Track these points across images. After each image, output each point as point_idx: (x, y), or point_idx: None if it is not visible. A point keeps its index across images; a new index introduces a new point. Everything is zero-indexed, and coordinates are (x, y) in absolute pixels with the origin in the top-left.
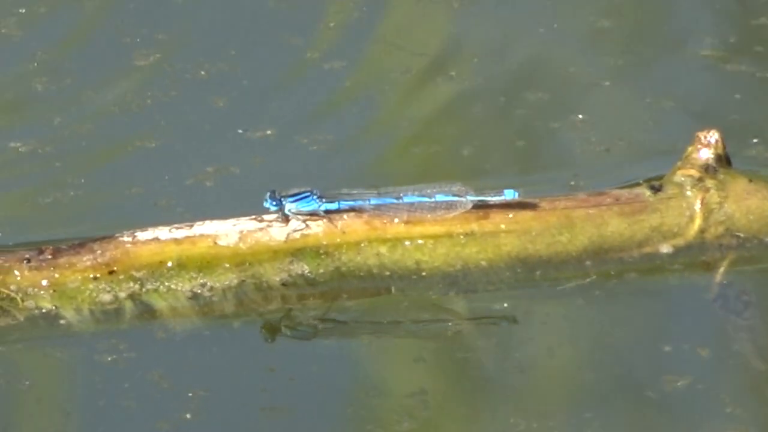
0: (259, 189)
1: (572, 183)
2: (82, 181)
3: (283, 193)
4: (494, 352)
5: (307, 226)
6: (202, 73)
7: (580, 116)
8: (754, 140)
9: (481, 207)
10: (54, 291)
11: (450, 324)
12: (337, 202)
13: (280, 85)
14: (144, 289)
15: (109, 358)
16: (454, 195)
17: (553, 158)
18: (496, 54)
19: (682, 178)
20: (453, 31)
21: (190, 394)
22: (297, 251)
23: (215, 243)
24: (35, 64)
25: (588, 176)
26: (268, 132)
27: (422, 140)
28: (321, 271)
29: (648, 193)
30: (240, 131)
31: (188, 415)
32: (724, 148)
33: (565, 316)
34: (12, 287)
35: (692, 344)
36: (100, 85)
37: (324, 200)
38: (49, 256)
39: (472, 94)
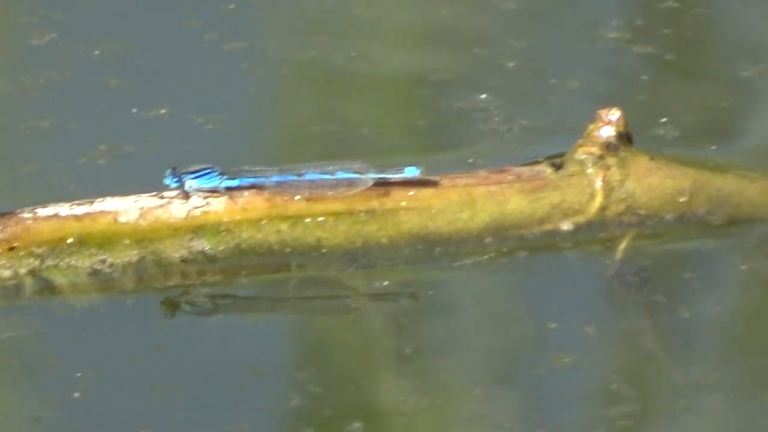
0: (152, 167)
1: (471, 161)
2: None
3: (184, 170)
4: (390, 328)
5: (207, 203)
6: (97, 53)
7: (484, 96)
8: (662, 119)
9: (382, 184)
10: None
11: (349, 300)
12: (238, 179)
13: (175, 65)
14: (44, 266)
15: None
16: (356, 172)
17: (456, 138)
18: (401, 34)
19: (584, 156)
20: (359, 12)
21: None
22: (197, 228)
23: (115, 220)
24: None
25: (490, 155)
26: (162, 111)
27: (320, 120)
28: (221, 248)
29: (549, 170)
30: (134, 110)
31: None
32: (626, 126)
33: (461, 292)
34: None
35: (579, 321)
36: None
37: (225, 177)
38: None
39: (376, 75)
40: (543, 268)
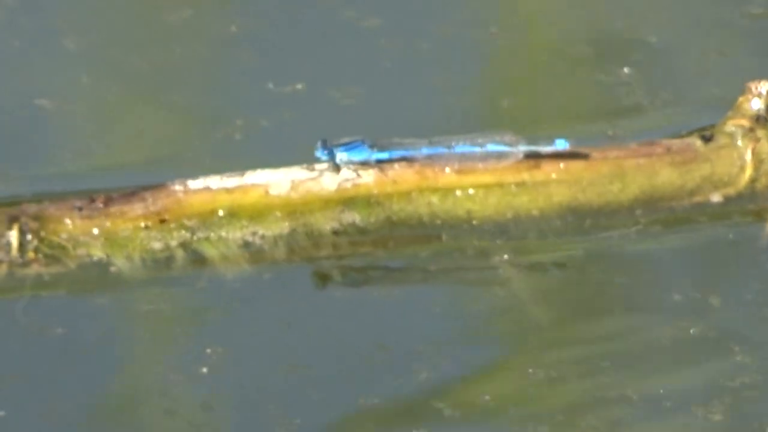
0: (288, 142)
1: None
2: None
3: (335, 143)
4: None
5: (358, 175)
6: (233, 29)
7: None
8: None
9: (532, 157)
10: (105, 239)
11: (500, 271)
12: (388, 152)
13: (312, 41)
14: (195, 238)
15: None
16: (506, 144)
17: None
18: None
19: (733, 128)
20: None
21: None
22: (348, 200)
23: (266, 192)
24: None
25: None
26: (299, 86)
27: (458, 93)
28: (372, 220)
29: (699, 143)
30: (270, 86)
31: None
32: None
33: (608, 263)
34: (63, 235)
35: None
36: None
37: (375, 149)
38: (101, 205)
39: (516, 49)
40: (693, 240)
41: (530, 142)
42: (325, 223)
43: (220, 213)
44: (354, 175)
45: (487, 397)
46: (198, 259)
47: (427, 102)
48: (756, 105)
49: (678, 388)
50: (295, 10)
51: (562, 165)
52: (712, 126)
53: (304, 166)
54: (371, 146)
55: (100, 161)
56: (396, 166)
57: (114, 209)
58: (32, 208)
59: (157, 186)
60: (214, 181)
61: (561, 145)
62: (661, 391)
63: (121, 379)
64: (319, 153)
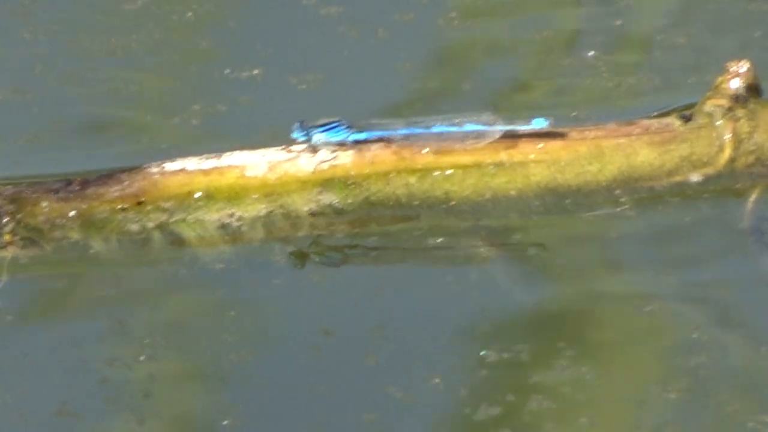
0: (245, 127)
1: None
2: None
3: (312, 124)
4: (521, 281)
5: (335, 156)
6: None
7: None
8: None
9: (510, 136)
10: (82, 222)
11: (480, 250)
12: (365, 132)
13: (270, 28)
14: (172, 220)
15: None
16: (484, 124)
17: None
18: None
19: (712, 108)
20: None
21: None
22: (325, 182)
23: (243, 174)
24: None
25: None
26: (255, 72)
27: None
28: (349, 201)
29: (678, 122)
30: (227, 71)
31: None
32: (755, 78)
33: (592, 241)
34: (40, 218)
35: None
36: None
37: (353, 130)
38: (77, 187)
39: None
40: (675, 217)
41: (508, 122)
42: (303, 204)
43: (197, 195)
44: (331, 156)
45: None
46: (175, 241)
47: (386, 86)
48: (735, 84)
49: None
50: None
51: (540, 145)
52: (692, 106)
53: (281, 147)
54: (349, 127)
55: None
56: (373, 146)
57: (91, 191)
58: (8, 191)
59: (134, 168)
60: (191, 163)
61: (539, 124)
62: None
63: None
64: (297, 134)
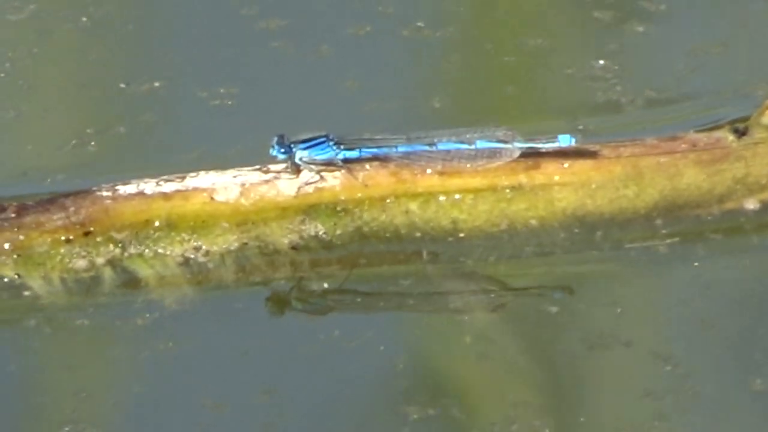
0: (154, 147)
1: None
2: None
3: (293, 139)
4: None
5: (321, 177)
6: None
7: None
8: None
9: (530, 155)
10: (18, 256)
11: (493, 296)
12: (357, 150)
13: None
14: (126, 254)
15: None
16: (499, 141)
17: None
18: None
19: None
20: None
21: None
22: (310, 208)
23: (212, 198)
24: None
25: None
26: (156, 84)
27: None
28: (338, 232)
29: (731, 137)
30: (122, 86)
31: None
32: None
33: (630, 283)
34: None
35: None
36: None
37: (342, 147)
38: (13, 215)
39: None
40: (726, 255)
41: (528, 138)
42: (282, 235)
43: (156, 224)
44: (317, 177)
45: None
46: (130, 281)
47: (319, 106)
48: None
49: None
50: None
51: (566, 165)
52: (747, 118)
53: (257, 167)
54: (337, 143)
55: None
56: (367, 166)
57: (28, 220)
58: None
59: (81, 192)
60: (149, 186)
61: (565, 141)
62: None
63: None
64: (276, 151)
